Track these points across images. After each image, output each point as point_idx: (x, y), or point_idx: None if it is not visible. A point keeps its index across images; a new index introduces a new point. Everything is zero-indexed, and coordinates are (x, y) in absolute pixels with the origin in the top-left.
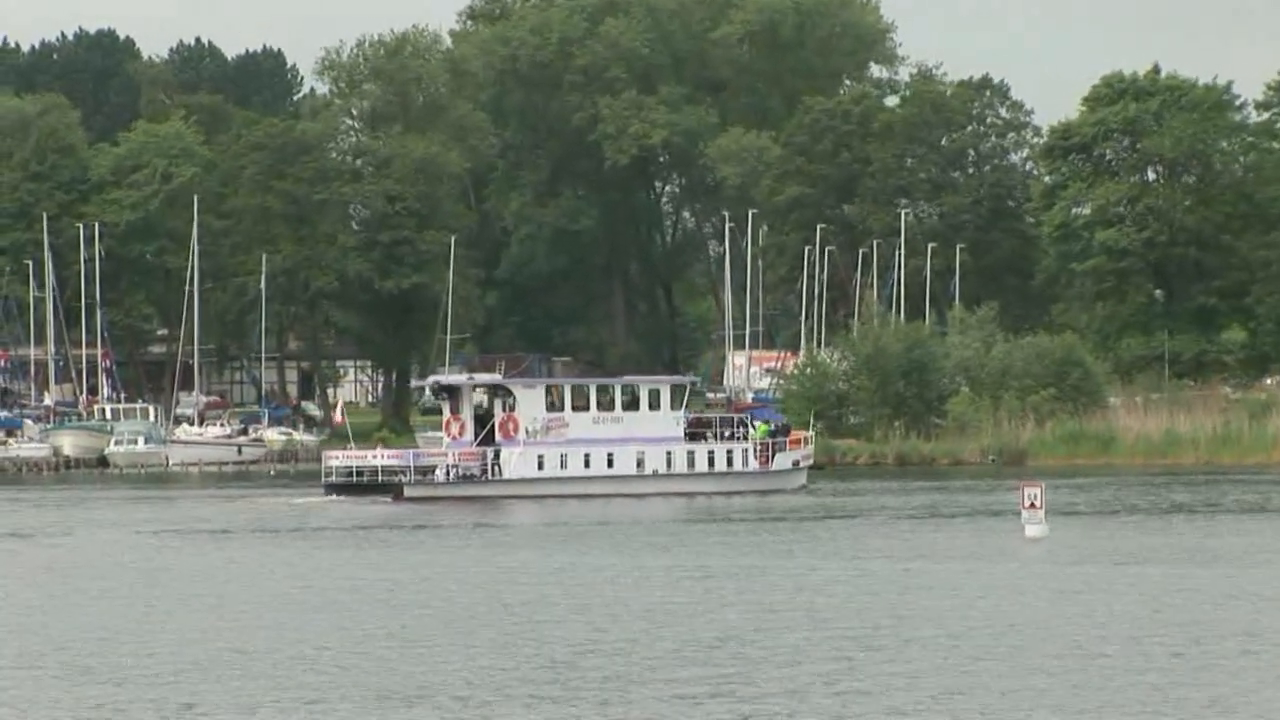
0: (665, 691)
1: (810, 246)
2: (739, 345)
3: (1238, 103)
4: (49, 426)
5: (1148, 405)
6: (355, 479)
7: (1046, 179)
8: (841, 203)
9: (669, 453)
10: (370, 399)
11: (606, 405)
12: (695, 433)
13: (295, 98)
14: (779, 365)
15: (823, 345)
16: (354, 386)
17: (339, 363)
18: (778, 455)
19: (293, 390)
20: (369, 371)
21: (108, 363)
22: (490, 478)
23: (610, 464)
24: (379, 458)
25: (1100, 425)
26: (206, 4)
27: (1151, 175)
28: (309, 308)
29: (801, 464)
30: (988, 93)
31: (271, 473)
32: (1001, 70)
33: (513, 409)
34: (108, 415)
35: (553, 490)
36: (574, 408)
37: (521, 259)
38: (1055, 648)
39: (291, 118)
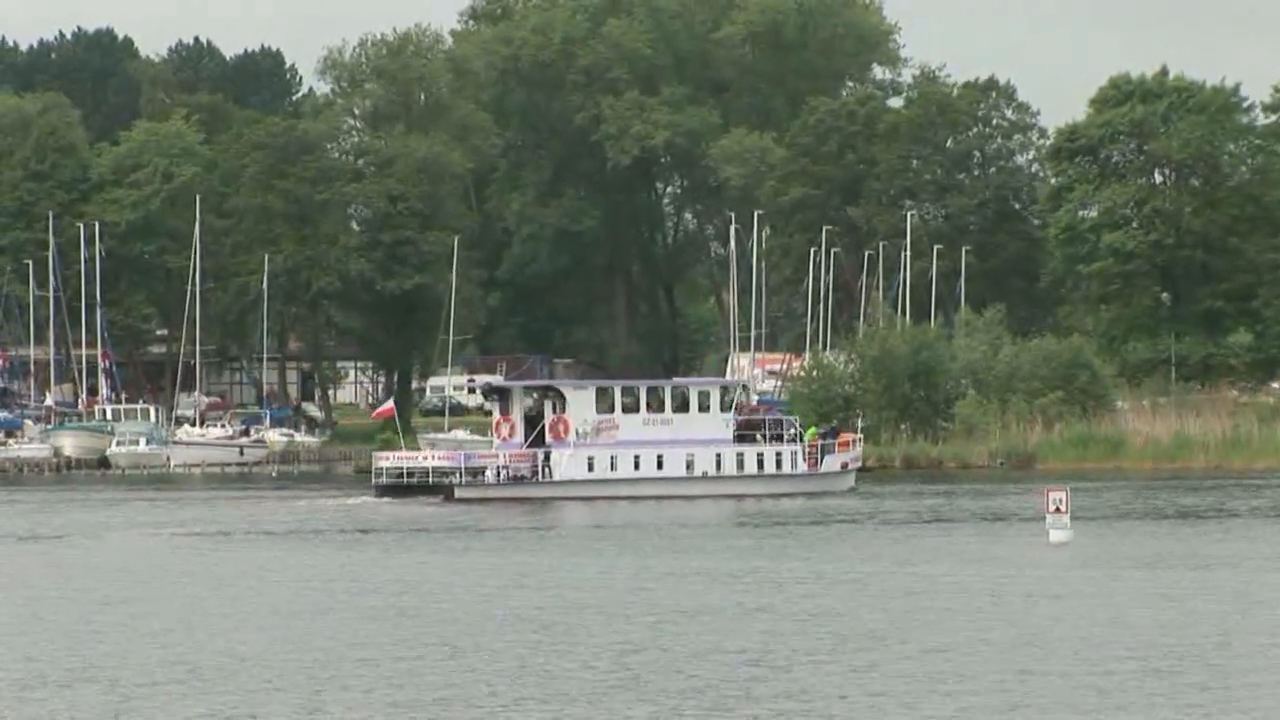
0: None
1: (815, 248)
2: (743, 347)
3: (1245, 105)
4: (49, 427)
5: (1155, 408)
6: (406, 480)
7: (1053, 181)
8: (846, 204)
9: (718, 455)
10: (370, 400)
11: (656, 407)
12: (744, 435)
13: (294, 98)
14: (784, 368)
15: (828, 347)
16: (354, 388)
17: (339, 364)
18: (826, 457)
19: (293, 391)
20: (369, 372)
21: (107, 363)
22: (541, 479)
23: (660, 466)
24: (430, 459)
25: (1109, 429)
26: (205, 4)
27: (1159, 178)
28: (310, 308)
29: (850, 466)
30: (993, 94)
31: (274, 474)
32: (1005, 72)
33: (563, 411)
34: (108, 416)
35: (602, 492)
36: (624, 409)
37: (523, 259)
38: (1114, 653)
39: (292, 117)
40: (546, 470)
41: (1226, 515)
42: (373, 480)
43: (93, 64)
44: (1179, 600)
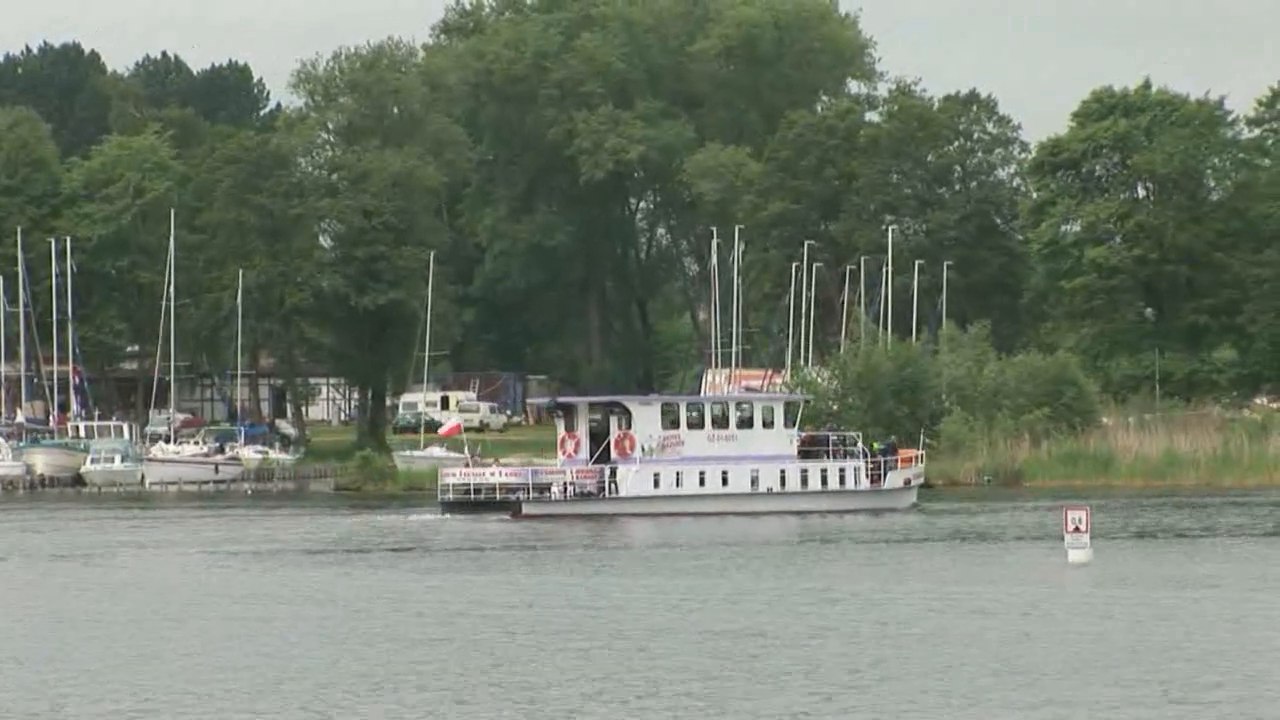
0: None
1: (796, 264)
2: (725, 363)
3: (1230, 118)
4: (20, 444)
5: (1141, 425)
6: (473, 497)
7: (1035, 195)
8: (826, 219)
9: (782, 471)
10: (343, 417)
11: (721, 423)
12: (808, 451)
13: (262, 112)
14: (764, 384)
15: (809, 363)
16: (326, 404)
17: (311, 380)
18: (889, 474)
19: (264, 408)
20: (341, 389)
21: (78, 379)
22: (606, 496)
23: (725, 482)
24: (497, 475)
25: (1098, 446)
26: (172, 18)
27: (1142, 192)
28: (283, 324)
29: (912, 482)
30: (974, 108)
31: (249, 492)
32: (986, 88)
33: (629, 427)
34: (81, 433)
35: (668, 508)
36: (689, 425)
37: (495, 275)
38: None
39: (262, 131)
40: (613, 486)
41: (1243, 534)
42: (439, 497)
43: (59, 78)
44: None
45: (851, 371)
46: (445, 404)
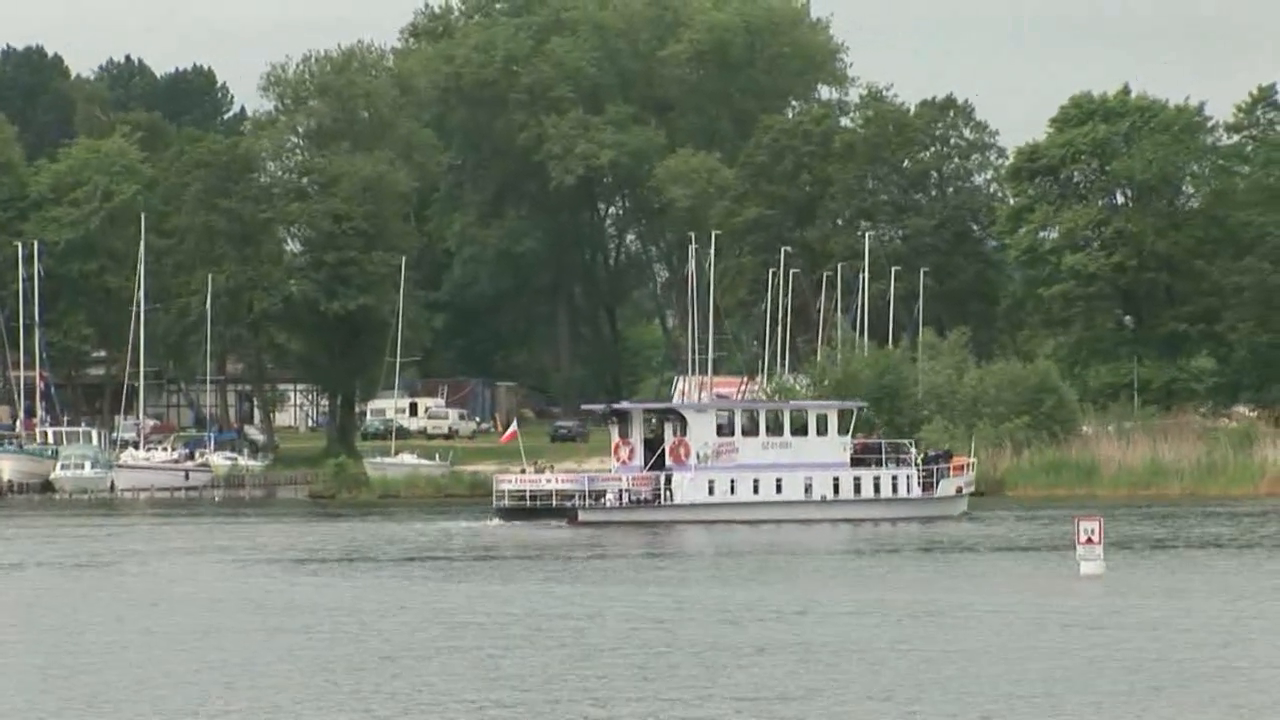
0: None
1: (773, 269)
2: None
3: (1210, 125)
4: None
5: (1122, 434)
6: (529, 503)
7: (1012, 201)
8: (801, 225)
9: (836, 478)
10: (310, 423)
11: (775, 430)
12: (860, 458)
13: (225, 116)
14: (740, 392)
15: (786, 370)
16: (294, 411)
17: (279, 386)
18: (941, 481)
19: (231, 414)
20: (310, 395)
21: (45, 385)
22: (662, 503)
23: (779, 489)
24: (553, 482)
25: (1080, 454)
26: (136, 22)
27: (1120, 199)
28: (252, 330)
29: (964, 490)
30: (951, 113)
31: (216, 499)
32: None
33: (684, 433)
34: (50, 439)
35: (722, 515)
36: (744, 433)
37: (464, 281)
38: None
39: (229, 135)
40: (668, 493)
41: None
42: (494, 503)
43: (22, 82)
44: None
45: (831, 379)
46: (413, 410)
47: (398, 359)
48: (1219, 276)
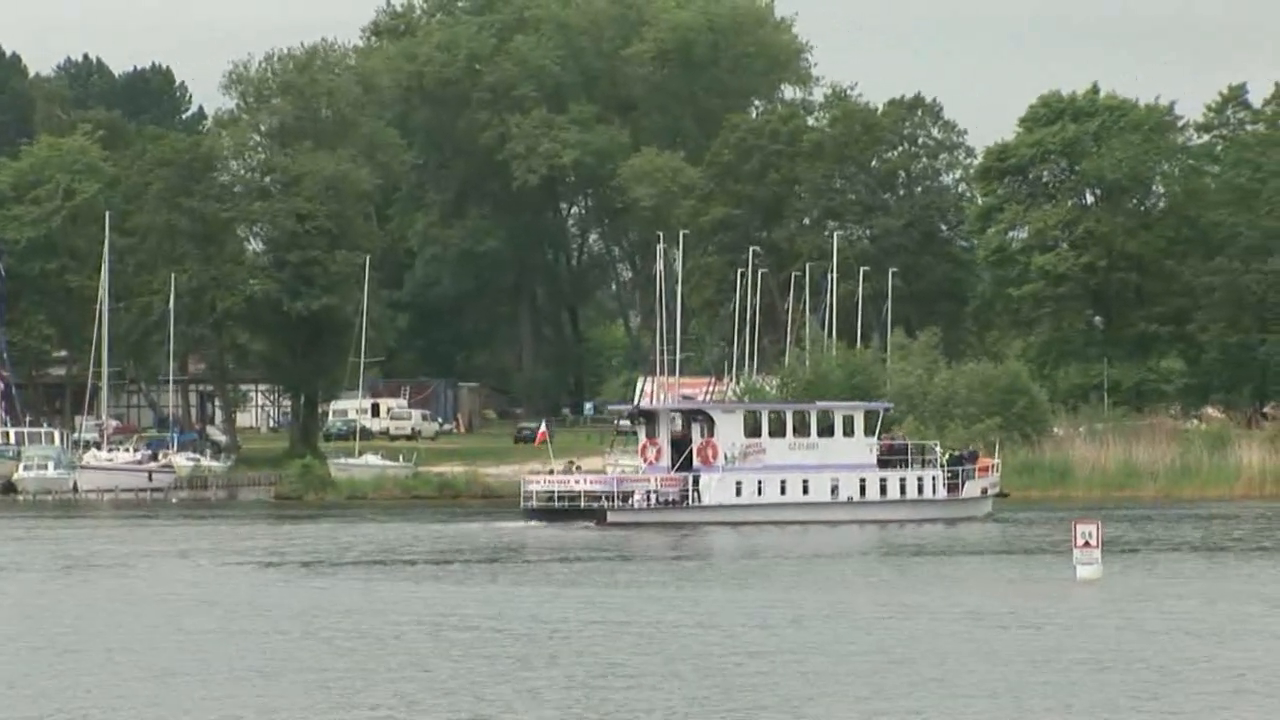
0: None
1: (741, 269)
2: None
3: (1180, 124)
4: None
5: (1093, 435)
6: (557, 504)
7: (981, 201)
8: (768, 225)
9: (862, 479)
10: (272, 424)
11: (802, 431)
12: (886, 459)
13: (184, 115)
14: (707, 393)
15: (754, 371)
16: (255, 411)
17: (241, 386)
18: (967, 483)
19: (193, 415)
20: (271, 395)
21: (4, 385)
22: (690, 504)
23: (805, 490)
24: (581, 483)
25: (1054, 456)
26: (94, 20)
27: (1090, 198)
28: (215, 329)
29: (989, 491)
30: (919, 112)
31: (174, 500)
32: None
33: (711, 434)
34: (11, 439)
35: (749, 517)
36: (771, 433)
37: (426, 281)
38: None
39: (189, 133)
40: (695, 495)
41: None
42: (522, 504)
43: None
44: None
45: (801, 379)
46: (375, 411)
47: (362, 359)
48: (1189, 277)
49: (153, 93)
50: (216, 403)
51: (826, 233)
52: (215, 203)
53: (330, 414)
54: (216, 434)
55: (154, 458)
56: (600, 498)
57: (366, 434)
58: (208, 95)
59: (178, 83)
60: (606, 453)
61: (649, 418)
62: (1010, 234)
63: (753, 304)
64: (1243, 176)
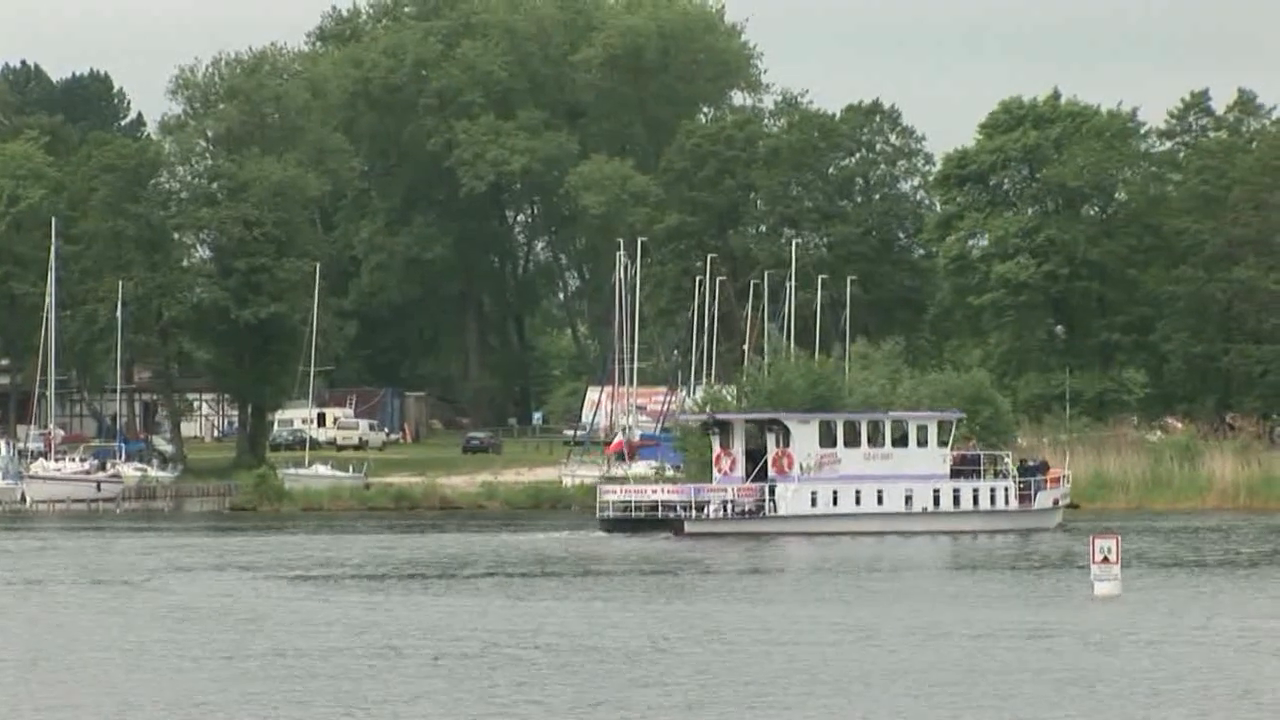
0: None
1: (700, 277)
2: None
3: (1143, 130)
4: None
5: (1057, 445)
6: (633, 515)
7: (941, 209)
8: (725, 231)
9: (935, 490)
10: (217, 433)
11: (877, 441)
12: (959, 469)
13: (123, 122)
14: (666, 403)
15: (711, 380)
16: (199, 421)
17: (186, 395)
18: (1039, 494)
19: (137, 424)
20: (216, 404)
21: None
22: (765, 514)
23: (880, 501)
24: (658, 493)
25: None
26: (31, 26)
27: (1051, 205)
28: (161, 337)
29: (1060, 502)
30: (877, 118)
31: (118, 510)
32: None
33: (787, 445)
34: None
35: (825, 527)
36: (846, 444)
37: (372, 289)
38: None
39: (133, 139)
40: (771, 505)
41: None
42: (597, 514)
43: None
44: None
45: (763, 389)
46: (321, 421)
47: (311, 368)
48: (1152, 285)
49: (91, 99)
50: (162, 411)
51: (783, 240)
52: (161, 209)
53: (276, 423)
54: (162, 444)
55: (102, 467)
56: (676, 507)
57: (313, 444)
58: (146, 102)
59: (116, 89)
60: (563, 463)
61: (723, 427)
62: (970, 242)
63: (710, 312)
64: (1206, 184)
